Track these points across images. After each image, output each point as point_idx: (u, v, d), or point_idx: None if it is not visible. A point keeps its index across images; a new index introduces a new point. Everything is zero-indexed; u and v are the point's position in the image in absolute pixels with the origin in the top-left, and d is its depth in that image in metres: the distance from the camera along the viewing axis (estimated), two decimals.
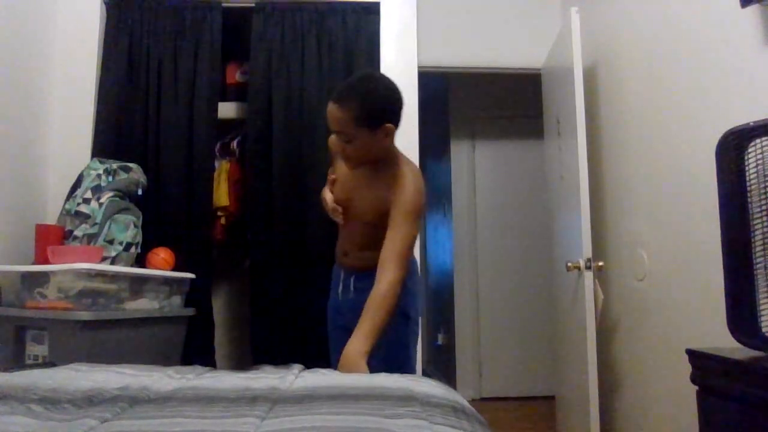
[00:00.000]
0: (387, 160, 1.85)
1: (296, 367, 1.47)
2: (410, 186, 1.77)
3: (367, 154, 1.81)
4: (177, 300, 2.61)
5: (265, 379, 1.28)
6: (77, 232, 2.40)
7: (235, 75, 3.29)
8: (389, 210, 1.76)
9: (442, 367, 4.74)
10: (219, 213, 3.13)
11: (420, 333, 2.92)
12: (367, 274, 1.84)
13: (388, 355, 1.77)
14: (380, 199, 1.80)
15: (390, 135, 1.80)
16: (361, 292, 1.87)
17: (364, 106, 1.73)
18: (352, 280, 2.04)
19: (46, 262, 2.19)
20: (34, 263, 2.36)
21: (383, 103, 1.79)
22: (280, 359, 2.16)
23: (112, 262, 2.38)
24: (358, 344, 1.60)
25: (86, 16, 2.94)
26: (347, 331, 1.72)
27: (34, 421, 0.93)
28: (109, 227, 2.43)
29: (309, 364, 1.53)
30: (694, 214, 2.06)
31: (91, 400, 1.06)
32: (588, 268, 2.47)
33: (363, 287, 1.87)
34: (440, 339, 4.91)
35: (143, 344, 2.33)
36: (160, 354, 2.42)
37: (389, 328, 1.74)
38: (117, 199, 2.49)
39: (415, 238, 1.78)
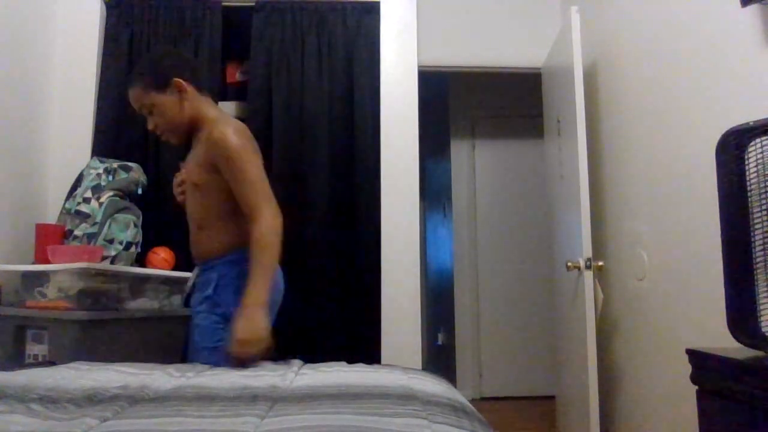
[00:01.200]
0: (203, 126, 1.79)
1: (296, 364, 1.47)
2: (224, 132, 1.69)
3: (172, 119, 1.78)
4: (177, 299, 2.61)
5: (265, 377, 1.28)
6: (77, 232, 2.40)
7: (235, 74, 3.29)
8: (213, 166, 1.71)
9: (442, 367, 4.74)
10: None
11: (420, 333, 2.93)
12: (209, 267, 1.81)
13: (204, 359, 1.69)
14: (198, 156, 1.76)
15: (184, 91, 1.77)
16: (199, 288, 1.83)
17: (145, 71, 1.78)
18: (195, 274, 1.92)
19: (46, 261, 2.19)
20: (34, 263, 2.36)
21: (162, 61, 1.80)
22: (280, 360, 2.15)
23: (112, 262, 2.38)
24: (251, 296, 1.56)
25: (86, 15, 2.94)
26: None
27: (34, 420, 0.93)
28: (109, 227, 2.43)
29: (307, 363, 1.53)
30: (694, 214, 2.06)
31: (90, 399, 1.06)
32: (588, 267, 2.47)
33: (203, 281, 1.82)
34: (440, 339, 4.91)
35: (143, 344, 2.32)
36: (160, 354, 2.41)
37: (207, 327, 1.72)
38: (117, 198, 2.49)
39: (261, 179, 1.69)
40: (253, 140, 1.80)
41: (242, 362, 1.47)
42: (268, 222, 1.67)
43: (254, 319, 1.53)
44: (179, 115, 1.78)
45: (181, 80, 1.76)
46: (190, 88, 1.78)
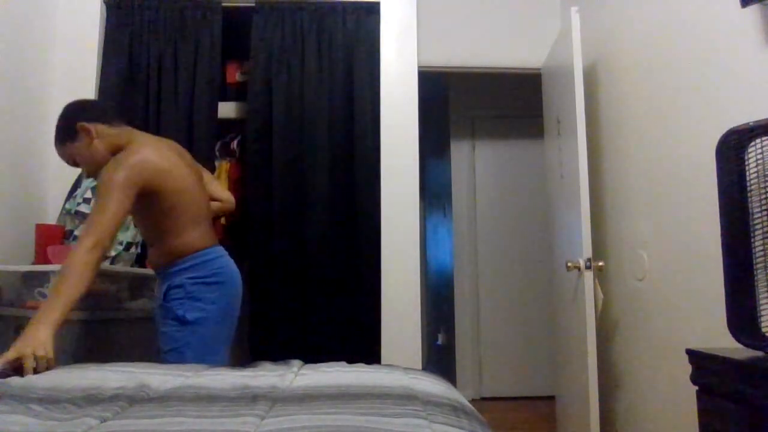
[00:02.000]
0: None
1: (296, 364, 1.47)
2: (112, 163, 1.80)
3: (93, 160, 1.89)
4: None
5: (265, 377, 1.28)
6: (77, 232, 2.40)
7: (235, 75, 3.29)
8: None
9: (443, 367, 4.74)
10: None
11: (420, 333, 2.93)
12: (161, 277, 1.97)
13: (165, 361, 1.83)
14: None
15: (92, 131, 1.87)
16: (157, 298, 2.00)
17: (56, 129, 1.91)
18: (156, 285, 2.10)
19: (46, 261, 2.20)
20: (34, 263, 2.36)
21: (65, 114, 1.92)
22: (279, 360, 2.15)
23: (112, 262, 2.38)
24: (39, 314, 1.60)
25: (86, 16, 2.94)
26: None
27: (34, 420, 0.93)
28: None
29: (307, 363, 1.53)
30: (694, 214, 2.06)
31: (90, 399, 1.06)
32: (588, 267, 2.47)
33: (158, 291, 2.00)
34: (440, 339, 4.91)
35: (143, 344, 2.32)
36: (160, 353, 2.41)
37: (166, 333, 1.87)
38: None
39: (113, 212, 1.74)
40: (147, 169, 1.83)
41: (16, 370, 1.42)
42: (81, 253, 1.69)
43: (34, 336, 1.52)
44: (96, 155, 1.87)
45: (83, 123, 1.86)
46: (95, 127, 1.88)
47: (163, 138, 2.15)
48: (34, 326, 1.56)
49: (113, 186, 1.75)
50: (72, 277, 1.64)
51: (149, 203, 1.85)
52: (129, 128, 1.99)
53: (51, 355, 1.49)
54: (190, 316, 1.87)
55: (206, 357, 1.80)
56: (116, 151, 1.86)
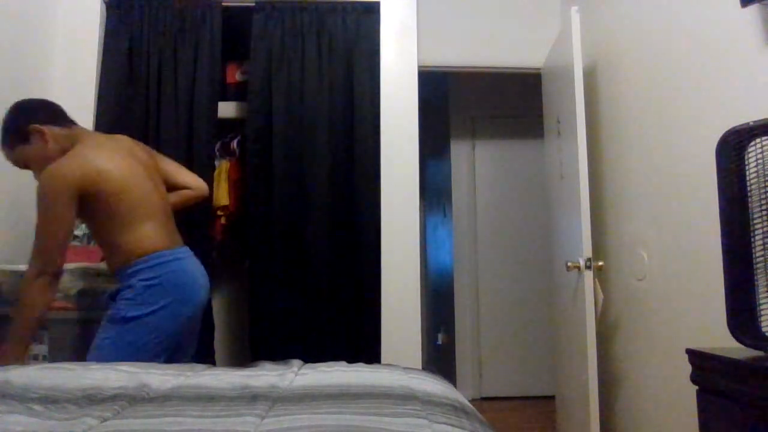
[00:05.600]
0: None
1: (296, 364, 1.47)
2: (46, 174, 1.76)
3: (47, 163, 1.82)
4: None
5: (265, 377, 1.28)
6: (77, 232, 2.40)
7: (235, 74, 3.29)
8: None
9: (443, 366, 4.74)
10: (219, 213, 3.13)
11: (420, 333, 2.93)
12: (118, 280, 1.91)
13: (101, 359, 1.74)
14: None
15: (44, 134, 1.85)
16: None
17: (4, 131, 1.88)
18: None
19: None
20: None
21: (14, 115, 1.88)
22: (279, 360, 2.15)
23: None
24: (8, 341, 1.72)
25: (86, 16, 2.94)
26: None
27: (35, 420, 0.93)
28: None
29: (307, 363, 1.53)
30: (694, 214, 2.06)
31: (90, 399, 1.06)
32: (588, 267, 2.47)
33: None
34: (440, 339, 4.91)
35: None
36: None
37: (101, 326, 1.83)
38: None
39: (53, 232, 1.75)
40: (84, 174, 1.79)
41: None
42: (30, 281, 1.74)
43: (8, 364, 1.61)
44: (51, 158, 1.83)
45: (36, 126, 1.84)
46: (48, 129, 1.86)
47: (113, 136, 2.10)
48: (4, 357, 1.67)
49: (50, 201, 1.73)
50: (27, 304, 1.74)
51: (91, 207, 1.82)
52: (78, 128, 1.96)
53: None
54: (129, 314, 1.81)
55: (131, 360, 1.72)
56: (66, 152, 1.84)
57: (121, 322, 1.80)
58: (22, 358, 1.70)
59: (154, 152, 2.17)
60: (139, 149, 2.05)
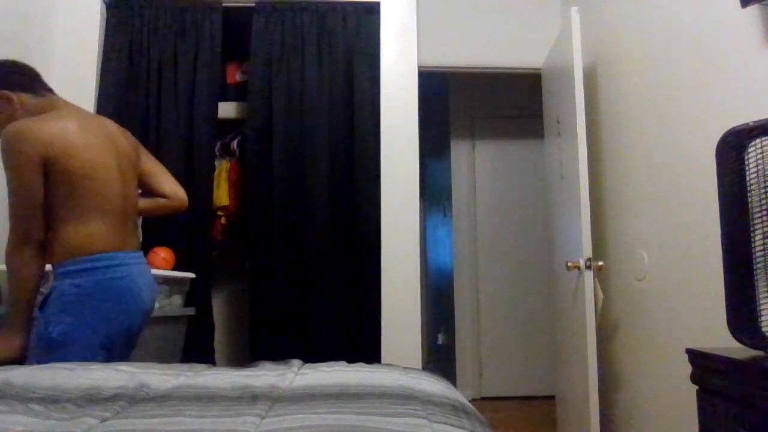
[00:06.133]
0: None
1: (296, 364, 1.47)
2: (6, 131, 1.61)
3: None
4: (177, 300, 2.61)
5: (265, 376, 1.28)
6: None
7: (235, 75, 3.29)
8: None
9: (443, 366, 4.74)
10: (219, 213, 3.14)
11: (420, 333, 2.93)
12: (52, 277, 1.72)
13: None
14: None
15: (12, 100, 1.70)
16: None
17: None
18: None
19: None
20: None
21: None
22: (279, 360, 2.15)
23: None
24: (6, 322, 1.62)
25: (86, 16, 2.94)
26: None
27: (35, 420, 0.93)
28: None
29: (307, 362, 1.53)
30: (694, 214, 2.06)
31: (90, 399, 1.06)
32: (588, 267, 2.47)
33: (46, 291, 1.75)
34: (440, 338, 4.90)
35: (143, 343, 2.32)
36: (160, 353, 2.41)
37: (30, 348, 1.62)
38: None
39: (25, 203, 1.60)
40: (50, 142, 1.62)
41: None
42: (9, 256, 1.61)
43: (6, 344, 1.58)
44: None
45: (5, 92, 1.70)
46: (17, 96, 1.71)
47: (97, 116, 1.96)
48: (4, 336, 1.60)
49: (14, 164, 1.58)
50: (14, 280, 1.60)
51: (47, 182, 1.63)
52: (55, 97, 1.81)
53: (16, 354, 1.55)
54: (56, 333, 1.59)
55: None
56: None
57: (47, 342, 1.59)
58: (23, 345, 1.58)
59: (141, 147, 1.99)
60: (123, 138, 1.87)
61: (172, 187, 2.00)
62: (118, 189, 1.76)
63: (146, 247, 2.60)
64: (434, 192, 5.03)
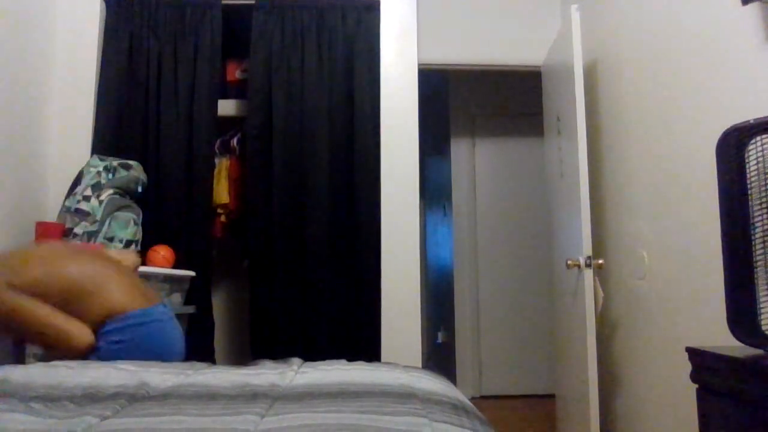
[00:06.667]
0: None
1: (296, 362, 1.47)
2: None
3: None
4: (177, 297, 2.61)
5: (265, 375, 1.28)
6: (77, 230, 2.40)
7: (235, 72, 3.29)
8: None
9: (443, 365, 4.74)
10: (219, 210, 3.14)
11: (421, 332, 2.93)
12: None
13: None
14: None
15: None
16: None
17: None
18: None
19: None
20: None
21: None
22: (280, 358, 2.14)
23: None
24: None
25: (86, 15, 2.94)
26: None
27: (35, 418, 0.93)
28: (110, 225, 2.43)
29: (308, 361, 1.53)
30: (694, 213, 2.06)
31: (90, 397, 1.06)
32: (588, 266, 2.47)
33: None
34: (440, 337, 4.91)
35: None
36: None
37: None
38: (117, 196, 2.49)
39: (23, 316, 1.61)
40: None
41: None
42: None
43: None
44: None
45: None
46: None
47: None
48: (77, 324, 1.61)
49: None
50: (18, 318, 1.61)
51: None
52: None
53: None
54: None
55: None
56: None
57: None
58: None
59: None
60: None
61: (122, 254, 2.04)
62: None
63: (146, 245, 2.60)
64: (434, 190, 5.04)
